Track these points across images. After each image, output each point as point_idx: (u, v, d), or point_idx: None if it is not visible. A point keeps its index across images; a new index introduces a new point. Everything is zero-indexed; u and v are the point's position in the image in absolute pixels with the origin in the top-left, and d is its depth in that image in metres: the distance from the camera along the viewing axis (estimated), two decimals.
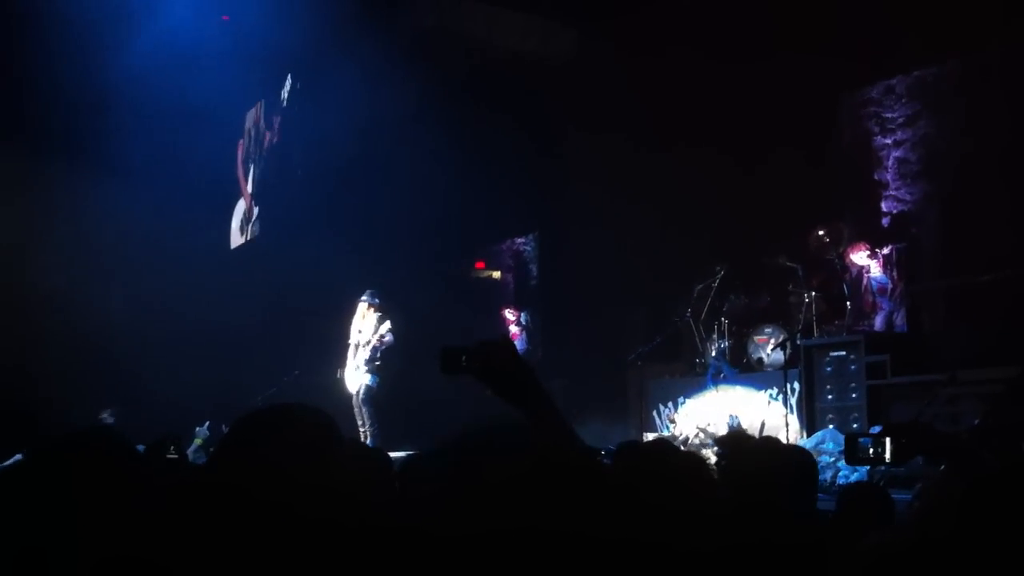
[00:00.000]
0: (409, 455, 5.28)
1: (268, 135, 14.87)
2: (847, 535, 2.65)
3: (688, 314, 10.44)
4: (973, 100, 9.35)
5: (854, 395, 8.69)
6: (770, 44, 9.77)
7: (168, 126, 12.45)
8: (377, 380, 9.93)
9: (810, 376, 9.04)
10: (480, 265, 14.66)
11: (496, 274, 14.58)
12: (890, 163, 10.20)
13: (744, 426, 9.11)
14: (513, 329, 12.44)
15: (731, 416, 9.47)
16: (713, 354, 10.21)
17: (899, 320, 9.20)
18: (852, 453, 2.42)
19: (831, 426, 8.51)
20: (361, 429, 9.81)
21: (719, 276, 10.29)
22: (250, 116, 15.29)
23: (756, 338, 10.06)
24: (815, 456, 5.11)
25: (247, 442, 1.54)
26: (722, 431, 8.97)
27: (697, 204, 10.64)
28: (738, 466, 3.05)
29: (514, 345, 2.07)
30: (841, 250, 9.63)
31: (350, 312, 10.31)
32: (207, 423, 9.88)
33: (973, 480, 1.77)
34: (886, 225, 10.07)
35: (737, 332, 10.25)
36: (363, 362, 9.95)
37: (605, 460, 2.73)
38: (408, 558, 1.21)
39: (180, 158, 13.05)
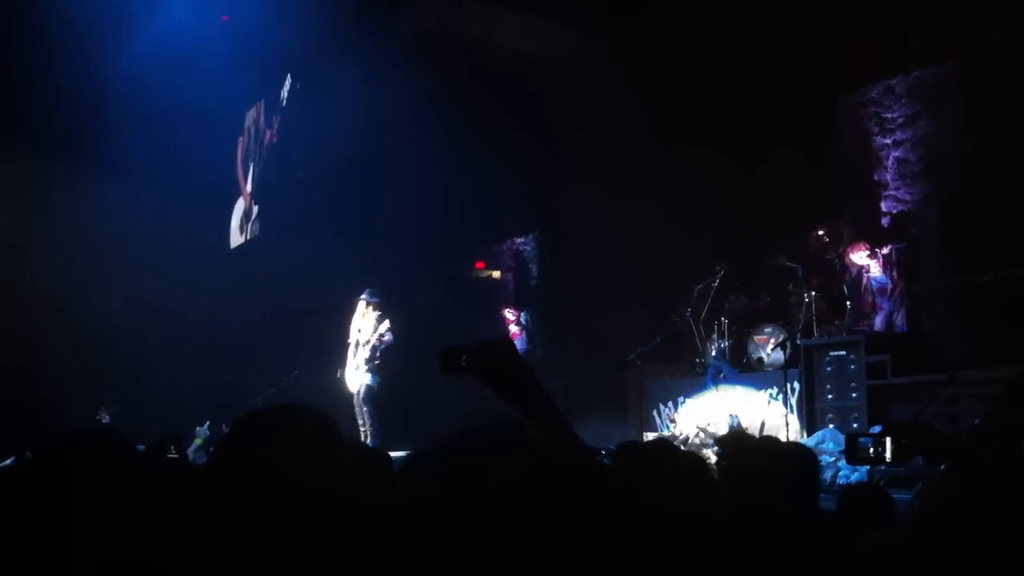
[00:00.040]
0: (407, 455, 5.27)
1: (268, 134, 14.86)
2: (847, 535, 2.65)
3: (688, 314, 10.43)
4: (973, 100, 9.34)
5: (854, 395, 8.69)
6: (770, 44, 9.77)
7: (168, 126, 12.45)
8: (377, 379, 9.92)
9: (810, 376, 9.04)
10: (480, 265, 14.65)
11: (496, 274, 14.57)
12: (890, 163, 10.19)
13: (744, 426, 9.11)
14: (513, 329, 12.44)
15: (731, 416, 9.47)
16: (713, 354, 10.21)
17: (899, 320, 9.20)
18: (852, 453, 2.42)
19: (831, 426, 8.50)
20: (361, 429, 9.80)
21: (719, 276, 10.28)
22: (250, 115, 15.28)
23: (756, 338, 10.06)
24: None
25: (247, 442, 1.54)
26: (722, 431, 8.96)
27: (697, 204, 10.63)
28: (738, 466, 3.04)
29: (514, 345, 2.07)
30: (841, 250, 9.62)
31: (350, 312, 10.31)
32: (207, 423, 9.90)
33: (973, 480, 1.77)
34: (886, 225, 10.06)
35: (737, 332, 10.25)
36: (363, 361, 9.94)
37: (605, 460, 2.72)
38: (408, 558, 1.21)
39: (180, 158, 13.05)
